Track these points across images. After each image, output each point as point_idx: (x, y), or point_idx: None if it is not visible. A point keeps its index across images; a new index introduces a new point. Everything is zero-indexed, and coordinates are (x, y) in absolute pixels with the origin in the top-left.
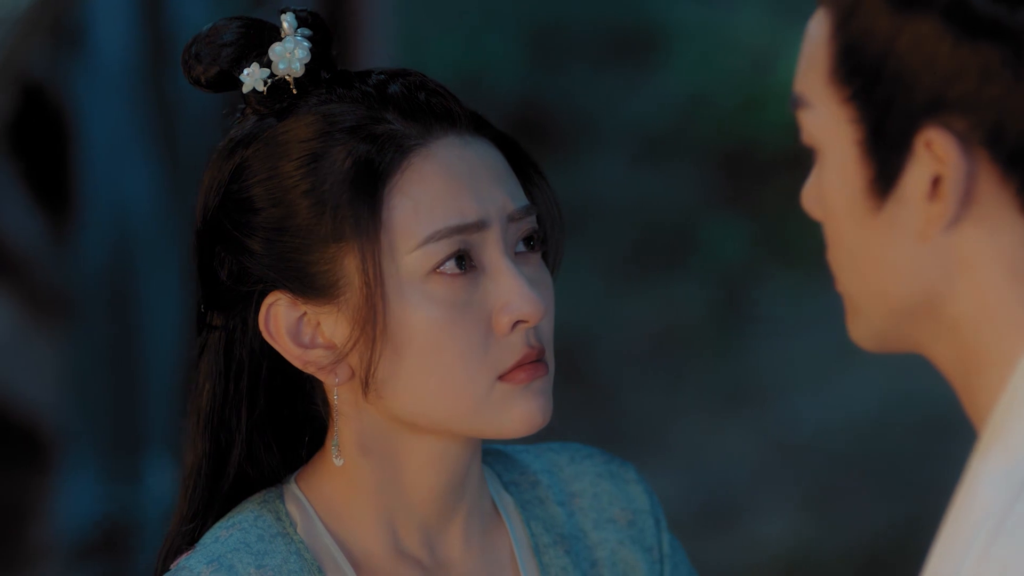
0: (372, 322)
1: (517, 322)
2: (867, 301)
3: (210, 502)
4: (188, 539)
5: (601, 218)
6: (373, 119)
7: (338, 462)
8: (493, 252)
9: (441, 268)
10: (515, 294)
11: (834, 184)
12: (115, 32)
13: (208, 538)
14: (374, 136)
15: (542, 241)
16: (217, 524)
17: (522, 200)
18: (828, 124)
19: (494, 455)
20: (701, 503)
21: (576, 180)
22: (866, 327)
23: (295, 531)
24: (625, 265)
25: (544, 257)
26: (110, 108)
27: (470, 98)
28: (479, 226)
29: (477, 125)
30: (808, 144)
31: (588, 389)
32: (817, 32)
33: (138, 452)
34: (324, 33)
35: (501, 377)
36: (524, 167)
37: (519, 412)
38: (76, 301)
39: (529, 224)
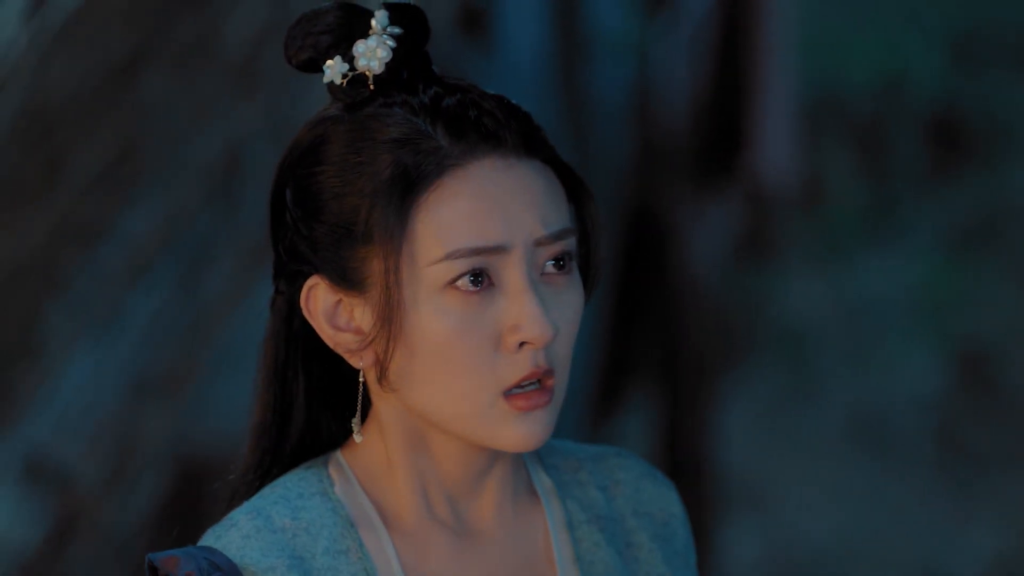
0: (389, 322)
1: (524, 343)
2: None
3: (274, 460)
4: (248, 494)
5: (1018, 226)
6: (421, 134)
7: (358, 438)
8: (513, 273)
9: (456, 284)
10: (525, 317)
11: None
12: (527, 26)
13: (256, 496)
14: (417, 151)
15: (583, 259)
16: (267, 485)
17: (555, 225)
18: None
19: None
20: None
21: (993, 187)
22: None
23: (333, 491)
24: None
25: (586, 276)
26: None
27: (886, 101)
28: (499, 250)
29: (529, 147)
30: None
31: (999, 398)
32: None
33: None
34: (418, 29)
35: (506, 395)
36: (576, 188)
37: (513, 432)
38: None
39: (561, 247)
